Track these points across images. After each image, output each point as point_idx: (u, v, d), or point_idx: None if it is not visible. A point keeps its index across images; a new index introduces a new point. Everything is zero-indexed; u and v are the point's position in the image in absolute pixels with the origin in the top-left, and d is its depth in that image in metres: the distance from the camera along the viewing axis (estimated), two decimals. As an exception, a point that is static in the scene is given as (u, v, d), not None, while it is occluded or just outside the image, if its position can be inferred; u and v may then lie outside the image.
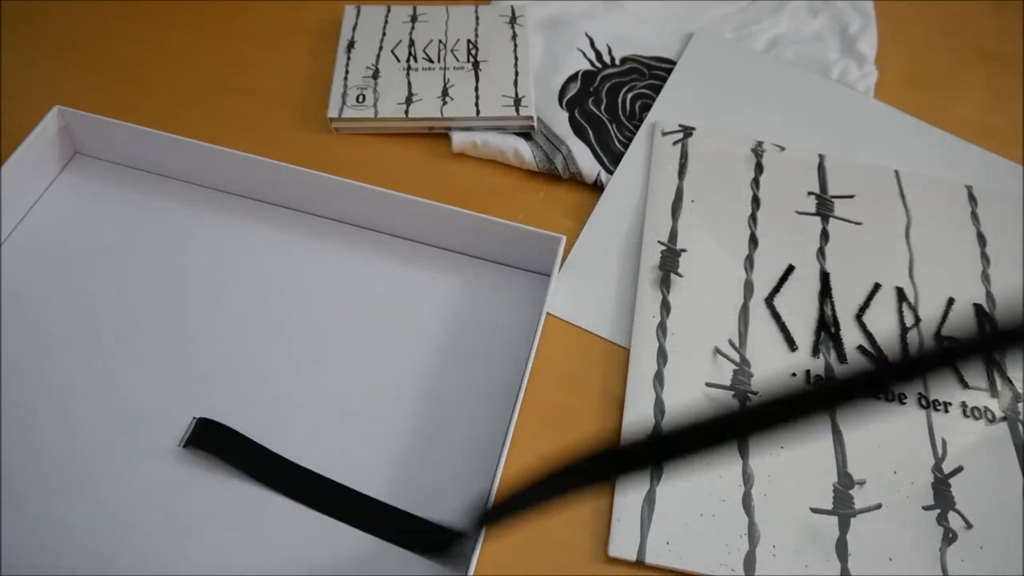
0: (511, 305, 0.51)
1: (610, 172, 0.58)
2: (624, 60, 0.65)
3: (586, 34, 0.66)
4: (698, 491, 0.44)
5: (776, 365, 0.49)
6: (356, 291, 0.51)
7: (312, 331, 0.49)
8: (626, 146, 0.59)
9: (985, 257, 0.55)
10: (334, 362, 0.48)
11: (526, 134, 0.59)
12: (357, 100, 0.59)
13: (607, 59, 0.65)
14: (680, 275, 0.52)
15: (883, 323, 0.51)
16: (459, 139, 0.58)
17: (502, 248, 0.51)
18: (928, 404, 0.48)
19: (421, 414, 0.46)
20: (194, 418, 0.45)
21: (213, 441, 0.44)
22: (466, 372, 0.48)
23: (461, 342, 0.49)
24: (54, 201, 0.54)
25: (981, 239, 0.56)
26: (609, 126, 0.61)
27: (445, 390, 0.47)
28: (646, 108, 0.62)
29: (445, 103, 0.59)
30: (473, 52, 0.62)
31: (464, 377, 0.48)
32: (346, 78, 0.60)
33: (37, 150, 0.53)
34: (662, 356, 0.49)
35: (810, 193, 0.57)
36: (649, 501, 0.43)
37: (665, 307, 0.51)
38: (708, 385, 0.48)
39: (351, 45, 0.63)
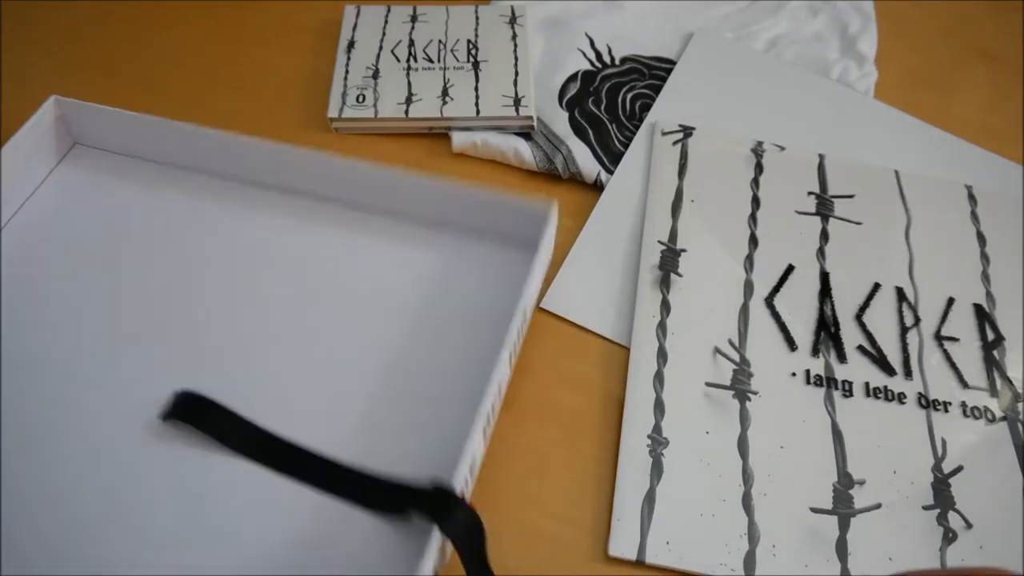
0: (498, 279, 0.51)
1: (610, 172, 0.58)
2: (624, 60, 0.65)
3: (586, 34, 0.66)
4: (698, 491, 0.44)
5: (776, 365, 0.49)
6: (339, 267, 0.51)
7: (296, 307, 0.49)
8: (626, 146, 0.59)
9: (985, 257, 0.55)
10: (316, 337, 0.48)
11: (526, 134, 0.59)
12: (357, 100, 0.59)
13: (607, 59, 0.65)
14: (680, 275, 0.52)
15: (883, 323, 0.51)
16: (459, 139, 0.58)
17: (488, 219, 0.51)
18: (928, 404, 0.48)
19: (400, 388, 0.46)
20: (174, 391, 0.45)
21: (192, 413, 0.44)
22: (448, 347, 0.48)
23: (442, 317, 0.49)
24: (53, 190, 0.54)
25: (981, 239, 0.56)
26: (609, 126, 0.61)
27: (427, 363, 0.47)
28: (646, 108, 0.62)
29: (445, 103, 0.59)
30: (473, 52, 0.62)
31: (446, 352, 0.48)
32: (346, 78, 0.60)
33: (34, 139, 0.53)
34: (662, 356, 0.49)
35: (810, 193, 0.57)
36: (649, 501, 0.43)
37: (665, 307, 0.51)
38: (708, 385, 0.48)
39: (351, 45, 0.63)
